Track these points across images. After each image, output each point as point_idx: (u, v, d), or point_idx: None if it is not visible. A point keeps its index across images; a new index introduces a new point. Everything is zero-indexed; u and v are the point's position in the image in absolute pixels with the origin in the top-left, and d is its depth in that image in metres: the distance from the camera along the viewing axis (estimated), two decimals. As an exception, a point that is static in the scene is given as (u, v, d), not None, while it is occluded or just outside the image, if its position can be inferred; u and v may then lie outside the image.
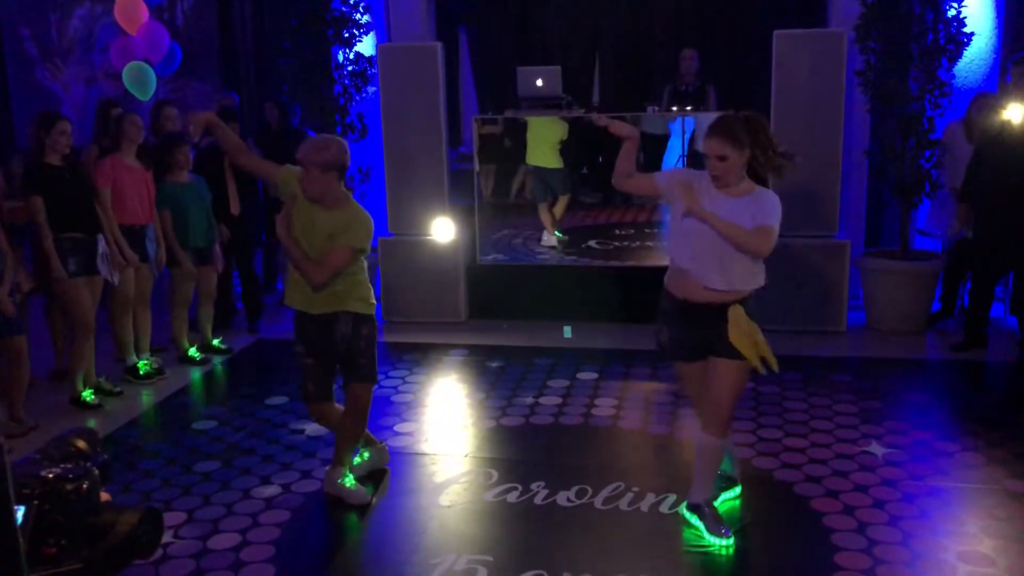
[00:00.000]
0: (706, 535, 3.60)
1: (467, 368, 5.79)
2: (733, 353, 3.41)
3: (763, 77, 6.27)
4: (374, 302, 3.96)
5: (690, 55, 6.87)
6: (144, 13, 6.91)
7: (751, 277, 3.43)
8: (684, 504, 3.75)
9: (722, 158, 3.32)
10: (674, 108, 6.66)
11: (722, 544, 3.55)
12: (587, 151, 6.71)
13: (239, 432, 4.82)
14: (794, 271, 6.19)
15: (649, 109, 6.57)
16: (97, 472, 2.04)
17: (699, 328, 3.45)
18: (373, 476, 4.21)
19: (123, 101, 6.71)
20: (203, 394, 5.53)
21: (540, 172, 6.64)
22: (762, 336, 3.43)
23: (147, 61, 6.89)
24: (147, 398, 5.42)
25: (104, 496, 2.08)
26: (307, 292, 3.82)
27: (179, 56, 7.17)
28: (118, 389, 5.39)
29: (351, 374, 3.94)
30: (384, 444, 4.35)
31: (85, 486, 1.98)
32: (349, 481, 4.01)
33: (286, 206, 3.85)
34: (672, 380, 5.44)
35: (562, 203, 6.67)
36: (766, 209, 3.37)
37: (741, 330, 3.38)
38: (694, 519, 3.68)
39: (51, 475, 1.97)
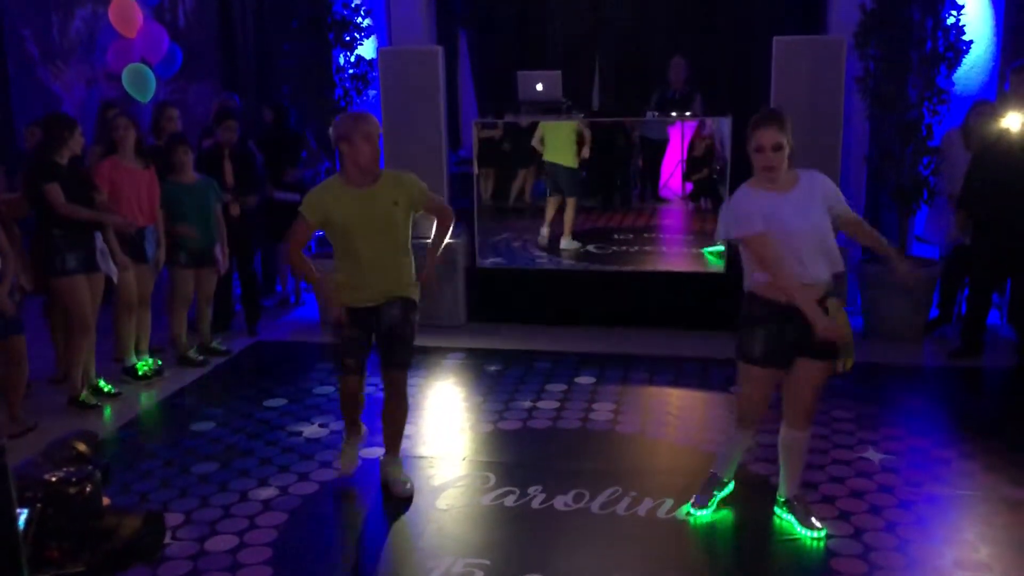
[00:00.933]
0: (798, 528, 3.68)
1: (465, 371, 5.80)
2: (822, 353, 3.43)
3: (763, 83, 6.29)
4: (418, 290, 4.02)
5: (679, 63, 6.90)
6: (139, 15, 6.92)
7: (838, 259, 3.47)
8: (779, 498, 3.80)
9: (778, 147, 3.38)
10: (656, 114, 6.69)
11: (814, 536, 3.62)
12: (588, 154, 6.72)
13: (237, 434, 4.83)
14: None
15: (648, 114, 6.59)
16: (99, 475, 2.05)
17: (798, 329, 3.39)
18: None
19: (124, 103, 6.73)
20: (201, 395, 5.54)
21: (555, 169, 6.64)
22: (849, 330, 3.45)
23: (146, 63, 6.90)
24: (145, 399, 5.43)
25: (104, 500, 2.09)
26: (357, 286, 3.88)
27: (180, 58, 7.18)
28: (116, 390, 5.40)
29: (391, 360, 3.99)
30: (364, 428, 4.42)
31: (88, 489, 2.00)
32: (400, 472, 4.11)
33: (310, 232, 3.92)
34: (670, 385, 5.46)
35: (571, 208, 6.67)
36: (833, 191, 3.45)
37: (840, 322, 3.39)
38: (784, 512, 3.76)
39: (53, 478, 1.98)
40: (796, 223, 3.36)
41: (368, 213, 3.77)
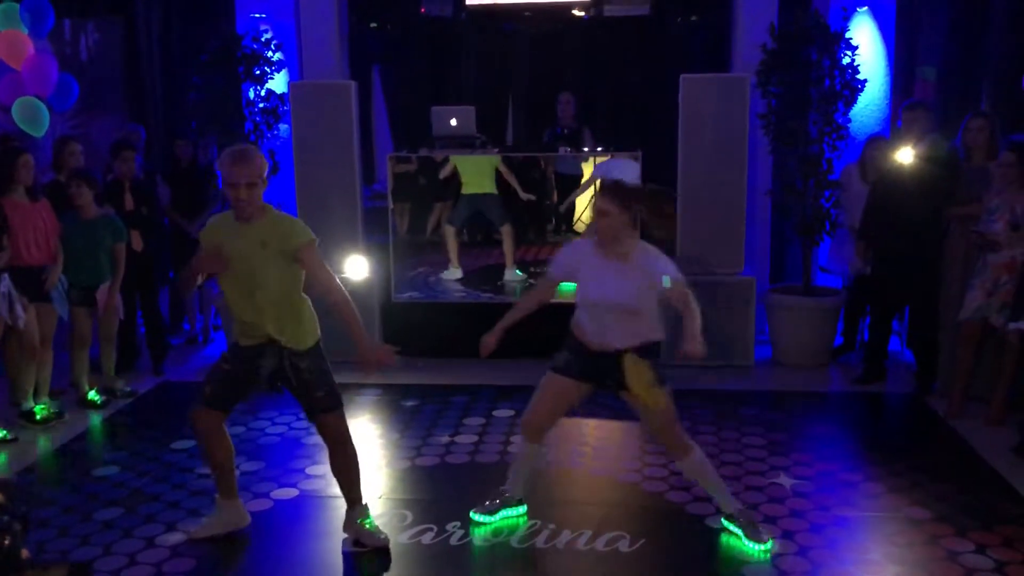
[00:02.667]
0: (744, 540, 3.81)
1: (381, 407, 5.72)
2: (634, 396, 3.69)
3: (671, 119, 6.45)
4: (317, 333, 3.82)
5: (567, 99, 7.05)
6: (28, 47, 6.70)
7: (652, 329, 3.74)
8: (722, 517, 3.94)
9: (602, 213, 3.55)
10: (569, 149, 6.78)
11: (761, 549, 3.75)
12: (500, 187, 6.76)
13: (143, 477, 4.64)
14: (702, 307, 6.30)
15: (561, 150, 6.68)
16: (19, 527, 1.93)
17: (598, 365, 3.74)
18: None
19: (20, 137, 6.49)
20: (104, 439, 5.32)
21: (475, 200, 6.62)
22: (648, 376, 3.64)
23: (39, 97, 6.67)
24: (44, 444, 5.18)
25: (23, 553, 1.96)
26: (237, 320, 3.76)
27: (76, 90, 6.96)
28: (12, 435, 5.15)
29: (308, 406, 3.82)
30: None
31: (7, 542, 1.87)
32: (369, 523, 3.89)
33: (209, 261, 3.72)
34: (585, 415, 5.49)
35: (508, 237, 6.65)
36: (659, 271, 3.63)
37: (636, 376, 3.63)
38: (730, 525, 3.88)
39: None
40: (601, 292, 3.62)
41: (241, 248, 3.65)
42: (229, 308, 3.78)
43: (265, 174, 3.64)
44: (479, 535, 3.97)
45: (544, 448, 3.99)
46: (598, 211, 3.57)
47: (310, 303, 3.82)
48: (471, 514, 4.06)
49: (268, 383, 3.80)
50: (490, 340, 3.89)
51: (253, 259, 3.63)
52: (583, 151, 6.70)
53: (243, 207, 3.60)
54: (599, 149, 6.70)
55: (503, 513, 4.07)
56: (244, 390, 3.88)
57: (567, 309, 6.41)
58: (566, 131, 7.04)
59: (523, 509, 4.12)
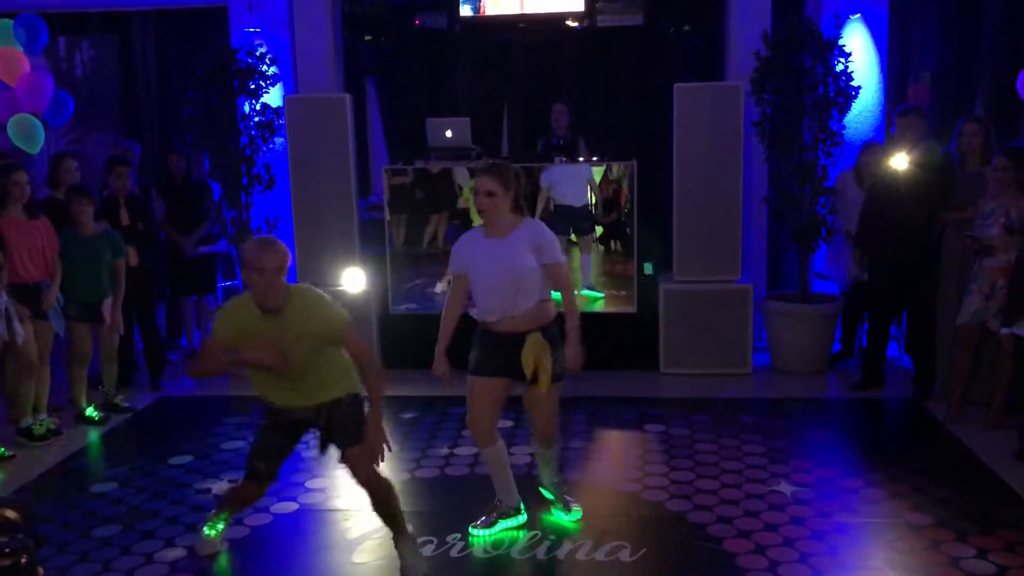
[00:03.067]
0: (554, 509, 4.19)
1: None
2: (534, 379, 3.84)
3: (666, 128, 6.46)
4: (356, 378, 3.68)
5: (561, 109, 7.06)
6: (24, 64, 6.71)
7: (538, 294, 3.86)
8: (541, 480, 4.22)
9: (489, 193, 3.73)
10: (564, 160, 6.77)
11: (569, 519, 4.14)
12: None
13: (141, 494, 4.63)
14: (699, 315, 6.35)
15: (557, 160, 6.68)
16: (33, 544, 1.92)
17: (504, 353, 3.87)
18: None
19: (14, 154, 6.50)
20: (103, 455, 5.30)
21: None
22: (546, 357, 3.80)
23: (34, 113, 6.69)
24: (42, 461, 5.16)
25: (39, 571, 1.96)
26: (284, 388, 3.58)
27: (71, 106, 6.97)
28: (10, 453, 5.13)
29: (340, 444, 3.64)
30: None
31: (23, 560, 1.86)
32: (413, 553, 3.73)
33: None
34: (585, 425, 5.49)
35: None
36: (544, 242, 3.79)
37: (533, 352, 3.79)
38: (546, 492, 4.22)
39: None
40: (489, 270, 3.77)
41: (286, 343, 3.43)
42: (255, 385, 3.64)
43: (287, 264, 3.42)
44: (479, 547, 3.96)
45: (501, 445, 4.01)
46: (485, 192, 3.72)
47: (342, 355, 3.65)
48: (470, 529, 4.05)
49: (320, 448, 3.75)
50: (441, 369, 4.00)
51: (290, 349, 3.42)
52: (578, 161, 6.71)
53: (271, 295, 3.37)
54: (594, 159, 6.70)
55: (501, 524, 4.07)
56: (287, 454, 3.80)
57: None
58: (560, 141, 7.06)
59: (522, 518, 4.11)
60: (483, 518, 4.08)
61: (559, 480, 4.21)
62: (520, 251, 3.74)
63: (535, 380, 3.78)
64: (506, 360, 3.82)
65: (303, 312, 3.44)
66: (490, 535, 4.03)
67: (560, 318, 3.87)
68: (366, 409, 3.64)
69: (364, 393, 3.65)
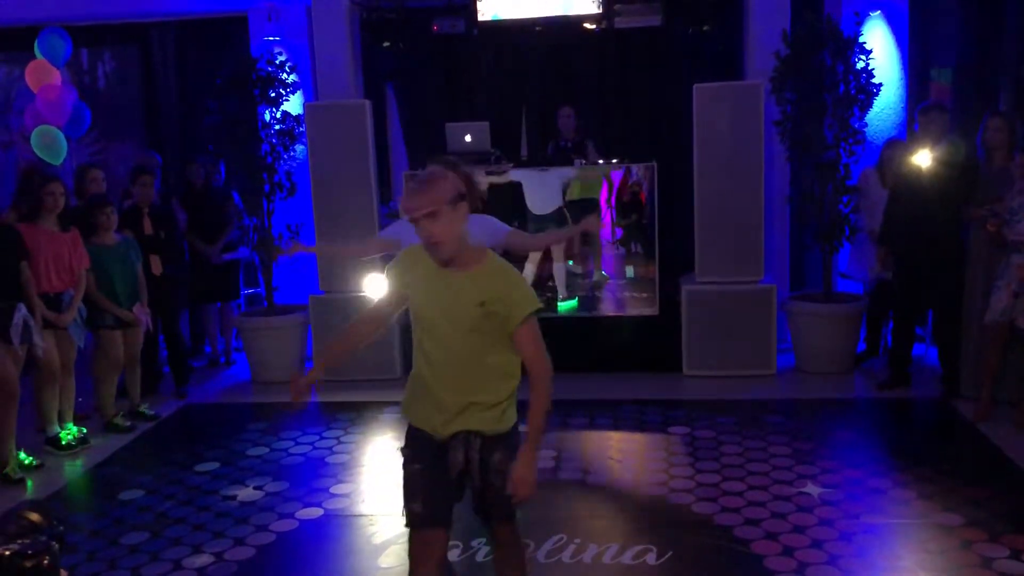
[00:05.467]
0: None
1: (403, 425, 5.69)
2: None
3: (686, 129, 6.44)
4: (513, 415, 2.95)
5: (568, 112, 7.04)
6: (56, 76, 6.80)
7: None
8: None
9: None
10: (583, 162, 6.79)
11: None
12: (511, 206, 6.76)
13: (168, 501, 4.65)
14: (723, 317, 6.31)
15: (576, 162, 6.68)
16: (56, 547, 1.95)
17: None
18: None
19: (43, 166, 6.58)
20: (129, 462, 5.34)
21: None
22: None
23: (55, 125, 6.78)
24: (70, 469, 5.21)
25: (62, 573, 1.98)
26: (418, 396, 2.96)
27: (88, 118, 7.05)
28: (39, 462, 5.18)
29: (483, 511, 3.02)
30: None
31: (46, 562, 1.89)
32: None
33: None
34: (609, 428, 5.47)
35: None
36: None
37: None
38: None
39: (7, 552, 1.87)
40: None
41: (442, 300, 2.81)
42: (412, 376, 3.03)
43: (451, 198, 2.70)
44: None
45: None
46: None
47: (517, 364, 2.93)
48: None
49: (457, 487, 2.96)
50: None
51: (461, 316, 2.79)
52: (598, 163, 6.70)
53: (434, 247, 2.75)
54: (614, 161, 6.69)
55: None
56: (452, 491, 2.97)
57: (589, 324, 6.38)
58: (569, 144, 7.05)
59: None
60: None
61: None
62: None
63: None
64: None
65: (494, 276, 2.78)
66: None
67: None
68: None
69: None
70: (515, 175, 6.52)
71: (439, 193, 2.70)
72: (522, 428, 2.89)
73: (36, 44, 6.85)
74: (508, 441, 2.91)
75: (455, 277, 2.80)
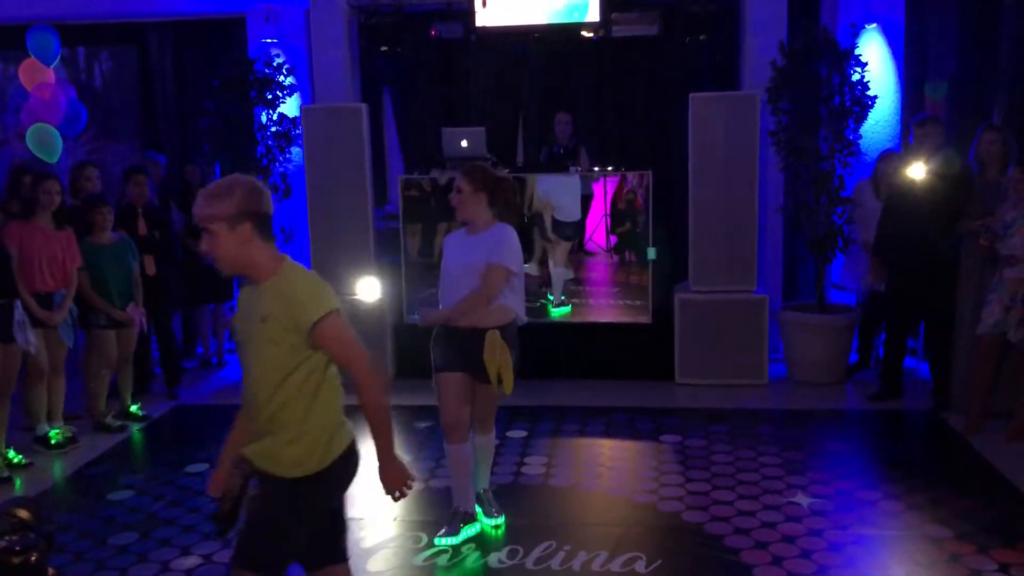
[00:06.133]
0: (483, 517, 4.20)
1: (395, 428, 5.69)
2: (484, 378, 3.93)
3: (682, 138, 6.46)
4: (305, 464, 2.63)
5: (564, 119, 7.07)
6: (49, 75, 6.80)
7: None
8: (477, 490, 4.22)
9: (458, 190, 3.91)
10: (579, 169, 6.81)
11: (493, 524, 4.18)
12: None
13: (158, 502, 4.64)
14: (715, 326, 6.32)
15: (572, 169, 6.69)
16: (44, 544, 1.94)
17: (462, 348, 3.94)
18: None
19: (37, 164, 6.56)
20: (119, 463, 5.32)
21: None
22: (507, 359, 3.89)
23: (50, 123, 6.77)
24: (58, 468, 5.19)
25: (50, 571, 1.98)
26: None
27: (84, 116, 7.04)
28: (27, 460, 5.15)
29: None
30: None
31: (33, 558, 1.89)
32: None
33: None
34: (601, 436, 5.47)
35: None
36: (498, 246, 3.87)
37: (493, 352, 3.86)
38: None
39: None
40: (460, 263, 3.93)
41: (242, 319, 2.70)
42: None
43: (229, 216, 2.52)
44: (494, 556, 3.94)
45: (469, 448, 4.06)
46: (455, 188, 3.91)
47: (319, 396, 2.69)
48: (435, 540, 4.05)
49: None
50: (431, 317, 4.07)
51: (250, 334, 2.64)
52: (594, 170, 6.71)
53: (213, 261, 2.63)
54: (609, 168, 6.70)
55: (465, 532, 4.08)
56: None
57: (580, 330, 6.39)
58: (562, 150, 7.07)
59: (478, 527, 4.14)
60: (446, 527, 4.08)
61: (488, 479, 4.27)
62: (484, 250, 3.86)
63: (500, 381, 3.89)
64: (466, 356, 3.90)
65: (277, 286, 2.58)
66: (455, 542, 4.03)
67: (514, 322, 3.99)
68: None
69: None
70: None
71: (215, 211, 2.53)
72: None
73: (25, 42, 6.85)
74: (275, 485, 2.59)
75: (250, 293, 2.67)
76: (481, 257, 3.85)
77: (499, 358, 3.86)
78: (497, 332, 3.87)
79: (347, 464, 2.76)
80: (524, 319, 4.04)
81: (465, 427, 4.02)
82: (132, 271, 5.78)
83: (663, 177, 6.56)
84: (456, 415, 3.98)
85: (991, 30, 6.92)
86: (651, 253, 6.32)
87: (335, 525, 2.77)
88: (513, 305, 3.95)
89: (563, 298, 6.64)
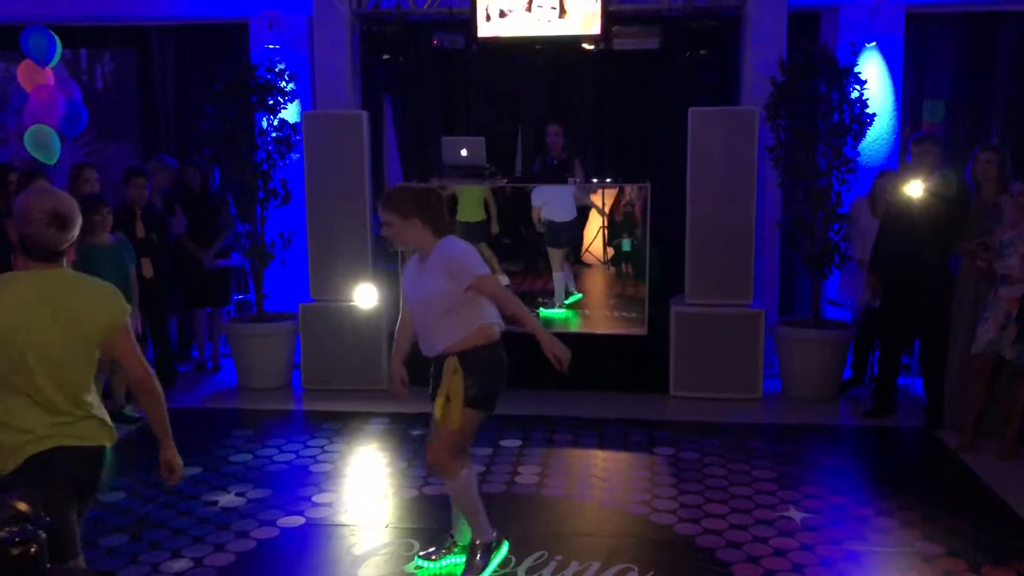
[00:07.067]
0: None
1: (389, 436, 5.70)
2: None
3: (680, 152, 6.48)
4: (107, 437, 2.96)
5: (556, 131, 7.09)
6: (47, 75, 6.80)
7: (457, 328, 3.63)
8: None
9: (386, 224, 3.64)
10: (578, 181, 6.85)
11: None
12: (509, 221, 6.81)
13: (148, 504, 4.63)
14: (711, 339, 6.33)
15: (570, 181, 6.71)
16: (44, 536, 1.94)
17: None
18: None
19: (33, 163, 6.57)
20: (111, 465, 5.30)
21: (465, 227, 6.69)
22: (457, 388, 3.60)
23: (49, 124, 6.77)
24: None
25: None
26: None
27: (85, 118, 7.04)
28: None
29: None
30: None
31: (32, 550, 1.88)
32: None
33: None
34: (594, 447, 5.47)
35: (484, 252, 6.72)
36: (451, 263, 3.56)
37: (445, 383, 3.63)
38: (460, 557, 3.87)
39: None
40: (408, 292, 3.77)
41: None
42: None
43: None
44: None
45: (467, 473, 3.77)
46: (383, 223, 3.65)
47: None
48: (415, 559, 3.95)
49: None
50: (399, 388, 3.90)
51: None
52: (592, 181, 6.74)
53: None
54: (608, 180, 6.73)
55: (447, 560, 3.92)
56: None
57: (573, 340, 6.42)
58: (556, 162, 7.10)
59: (505, 550, 3.91)
60: (432, 550, 3.96)
61: (485, 531, 3.81)
62: (432, 275, 3.58)
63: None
64: (435, 383, 3.73)
65: (60, 284, 2.84)
66: (434, 570, 3.89)
67: (497, 343, 3.68)
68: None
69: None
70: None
71: None
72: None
73: (20, 43, 6.85)
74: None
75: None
76: (434, 286, 3.56)
77: (448, 386, 3.60)
78: (455, 358, 3.59)
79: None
80: (501, 326, 3.72)
81: (465, 454, 3.77)
82: (129, 273, 5.77)
83: (661, 190, 6.58)
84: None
85: (989, 51, 6.98)
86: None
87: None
88: (492, 319, 3.66)
89: (565, 302, 6.66)
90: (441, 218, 3.62)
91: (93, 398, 2.93)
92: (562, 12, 6.56)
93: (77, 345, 2.81)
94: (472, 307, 3.60)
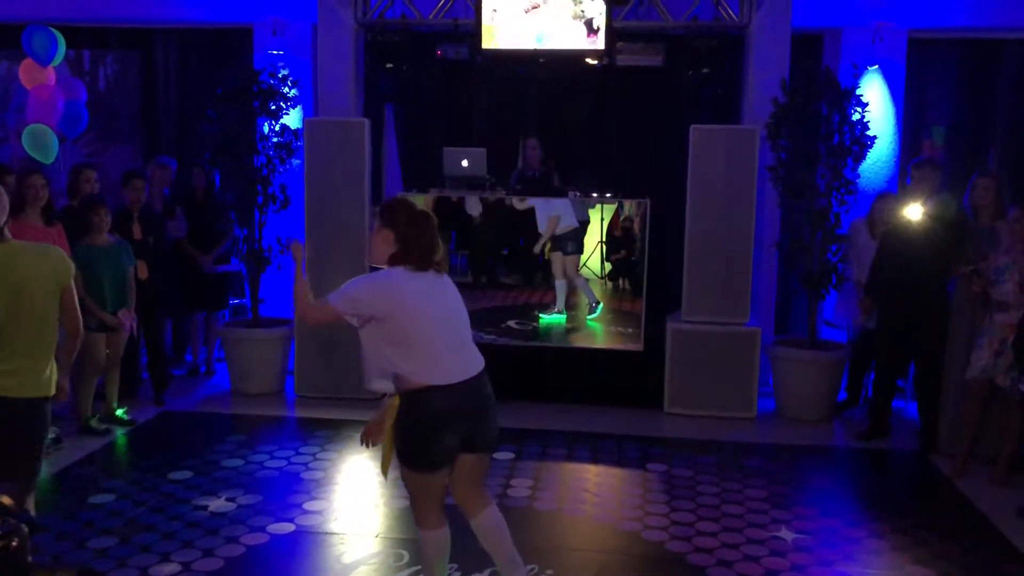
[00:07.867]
0: None
1: (381, 445, 5.66)
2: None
3: (681, 169, 6.49)
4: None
5: (533, 144, 7.12)
6: (49, 75, 6.80)
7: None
8: None
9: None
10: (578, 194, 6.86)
11: None
12: (505, 234, 6.82)
13: (139, 507, 4.60)
14: (706, 357, 6.32)
15: (571, 194, 6.71)
16: (26, 530, 1.92)
17: None
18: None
19: (29, 163, 6.56)
20: (102, 466, 5.28)
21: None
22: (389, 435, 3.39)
23: (48, 124, 6.77)
24: (41, 470, 5.13)
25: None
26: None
27: (85, 118, 7.04)
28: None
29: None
30: None
31: (14, 544, 1.86)
32: None
33: None
34: (588, 461, 5.46)
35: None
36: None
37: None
38: None
39: None
40: (438, 309, 3.44)
41: None
42: None
43: None
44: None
45: (439, 531, 3.57)
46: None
47: None
48: None
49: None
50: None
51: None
52: (591, 196, 6.74)
53: None
54: (608, 195, 6.73)
55: None
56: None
57: (569, 355, 6.37)
58: (535, 174, 7.12)
59: None
60: None
61: None
62: (453, 287, 3.54)
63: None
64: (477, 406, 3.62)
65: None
66: None
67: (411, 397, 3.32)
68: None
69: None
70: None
71: None
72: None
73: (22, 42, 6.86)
74: None
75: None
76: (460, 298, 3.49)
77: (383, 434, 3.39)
78: (395, 399, 3.31)
79: None
80: (448, 380, 3.32)
81: (425, 513, 3.51)
82: (127, 274, 5.77)
83: (660, 207, 6.59)
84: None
85: (990, 77, 7.01)
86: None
87: None
88: (406, 372, 3.24)
89: (589, 317, 6.66)
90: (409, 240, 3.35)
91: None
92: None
93: None
94: (388, 345, 3.38)
